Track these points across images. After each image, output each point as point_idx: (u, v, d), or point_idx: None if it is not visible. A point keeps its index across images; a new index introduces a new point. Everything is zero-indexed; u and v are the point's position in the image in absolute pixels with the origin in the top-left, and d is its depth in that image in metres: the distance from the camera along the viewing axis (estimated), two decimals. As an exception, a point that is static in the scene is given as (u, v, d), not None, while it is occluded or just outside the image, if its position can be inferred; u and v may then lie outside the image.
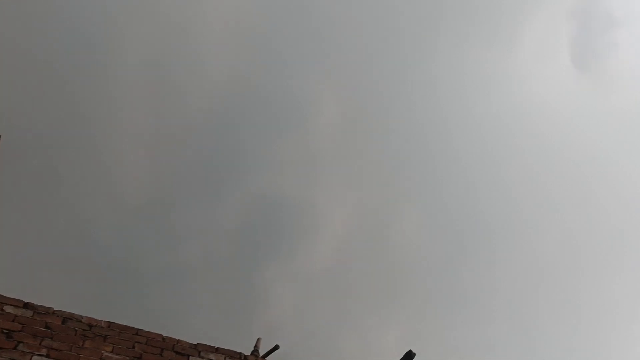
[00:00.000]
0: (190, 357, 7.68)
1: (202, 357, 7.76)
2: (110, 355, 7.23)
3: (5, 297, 7.14)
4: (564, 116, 35.85)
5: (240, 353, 8.15)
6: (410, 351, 8.26)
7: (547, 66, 37.25)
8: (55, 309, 7.32)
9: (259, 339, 8.75)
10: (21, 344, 6.84)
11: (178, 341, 7.76)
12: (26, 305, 7.19)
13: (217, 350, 7.94)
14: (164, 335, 7.74)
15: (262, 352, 8.65)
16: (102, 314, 7.66)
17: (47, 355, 6.91)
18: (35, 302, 7.29)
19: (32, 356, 6.81)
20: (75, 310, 7.47)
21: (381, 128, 36.53)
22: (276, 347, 8.70)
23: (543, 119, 35.90)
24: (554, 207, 35.10)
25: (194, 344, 7.84)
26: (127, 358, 7.30)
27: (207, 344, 7.94)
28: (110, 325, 7.50)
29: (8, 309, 7.05)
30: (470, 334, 31.13)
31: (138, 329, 7.64)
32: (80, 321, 7.38)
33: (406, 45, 35.88)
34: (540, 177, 35.24)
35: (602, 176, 34.84)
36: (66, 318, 7.32)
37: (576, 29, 37.05)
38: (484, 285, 32.63)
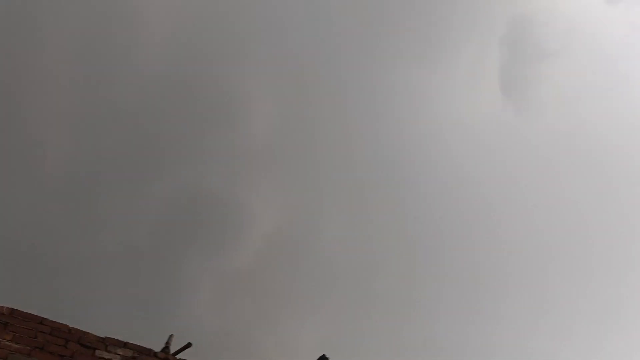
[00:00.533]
0: (97, 351, 7.39)
1: (110, 352, 7.48)
2: (9, 343, 6.85)
3: None
4: (487, 139, 37.55)
5: (150, 349, 7.94)
6: (323, 355, 8.31)
7: (476, 90, 38.84)
8: (-50, 292, 6.89)
9: (171, 336, 8.54)
10: None
11: (85, 333, 7.45)
12: None
13: (125, 345, 7.67)
14: (70, 327, 7.40)
15: (174, 349, 8.46)
16: (4, 299, 7.27)
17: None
18: None
19: None
20: (-25, 295, 7.06)
21: (315, 134, 36.98)
22: (188, 345, 8.51)
23: (467, 140, 37.57)
24: (465, 221, 36.75)
25: (102, 337, 7.55)
26: (28, 348, 6.93)
27: (117, 338, 7.68)
28: (12, 312, 7.09)
29: None
30: (388, 338, 32.07)
31: (43, 318, 7.26)
32: (-21, 306, 6.99)
33: (344, 54, 36.50)
34: (454, 193, 36.94)
35: (513, 200, 37.05)
36: (-38, 302, 6.91)
37: (507, 57, 38.77)
38: (402, 291, 33.63)
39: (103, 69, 32.16)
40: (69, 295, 25.11)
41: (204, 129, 34.24)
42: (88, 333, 7.49)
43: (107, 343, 7.56)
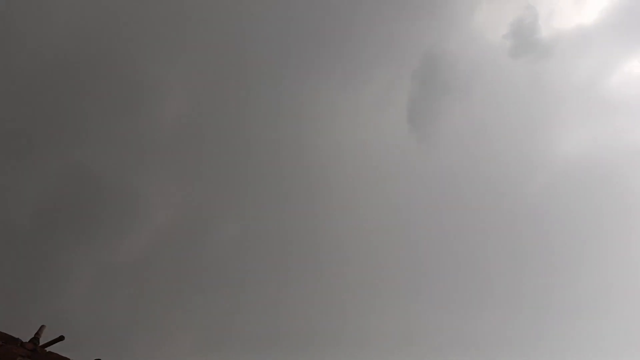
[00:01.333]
0: (-46, 337, 6.59)
1: (-31, 338, 6.71)
2: None
3: None
4: (389, 162, 39.04)
5: (18, 339, 7.22)
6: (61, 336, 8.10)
7: (384, 117, 40.28)
8: None
9: (42, 327, 7.83)
10: None
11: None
12: None
13: (-13, 331, 6.93)
14: None
15: (45, 341, 7.75)
16: None
17: None
18: None
19: None
20: None
21: (222, 134, 36.43)
22: (60, 338, 7.85)
23: (367, 159, 38.95)
24: (346, 237, 37.96)
25: (-39, 322, 6.77)
26: None
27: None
28: None
29: None
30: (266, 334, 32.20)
31: None
32: None
33: (260, 60, 36.53)
34: (355, 206, 38.02)
35: (394, 223, 38.69)
36: None
37: (417, 89, 40.61)
38: (306, 293, 33.94)
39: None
40: None
41: (107, 110, 32.52)
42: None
43: (-34, 328, 6.78)
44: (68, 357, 7.75)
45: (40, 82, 30.70)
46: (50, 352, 7.74)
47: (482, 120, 40.16)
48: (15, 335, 7.27)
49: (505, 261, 37.30)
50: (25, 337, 7.44)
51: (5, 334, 7.10)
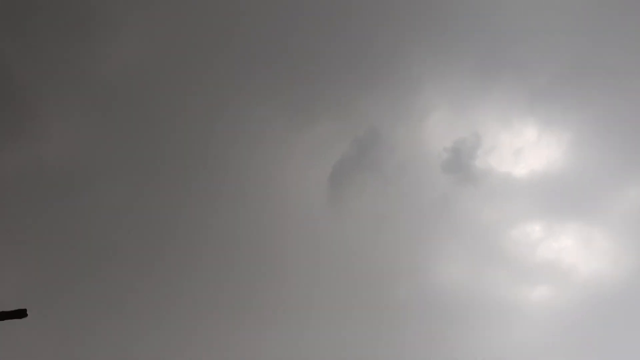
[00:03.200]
0: None
1: None
2: None
3: None
4: (309, 221, 40.26)
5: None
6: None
7: (308, 176, 41.56)
8: None
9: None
10: None
11: None
12: None
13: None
14: None
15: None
16: None
17: None
18: None
19: None
20: None
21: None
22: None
23: (290, 217, 40.39)
24: None
25: None
26: None
27: None
28: None
29: None
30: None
31: None
32: None
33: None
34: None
35: None
36: None
37: (348, 158, 42.12)
38: None
39: None
40: None
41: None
42: None
43: None
44: None
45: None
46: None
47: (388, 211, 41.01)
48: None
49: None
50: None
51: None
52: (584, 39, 38.53)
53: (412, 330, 39.51)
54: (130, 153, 39.85)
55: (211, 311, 40.20)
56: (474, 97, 41.51)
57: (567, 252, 41.08)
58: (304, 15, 40.65)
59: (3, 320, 8.20)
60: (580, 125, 39.85)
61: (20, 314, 7.86)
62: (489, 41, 40.66)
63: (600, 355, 37.59)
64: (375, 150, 40.16)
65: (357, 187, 40.16)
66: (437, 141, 42.45)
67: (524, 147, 41.37)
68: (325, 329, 40.99)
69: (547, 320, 40.07)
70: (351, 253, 41.43)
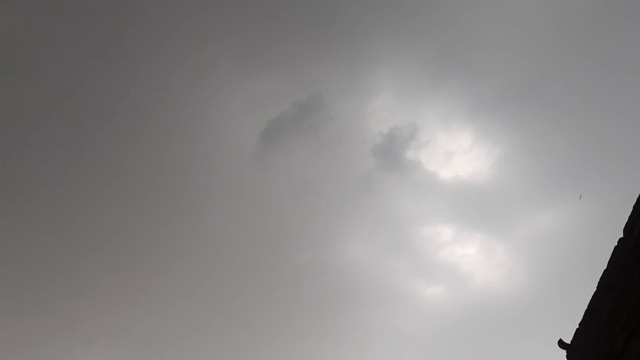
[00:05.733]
0: None
1: None
2: None
3: None
4: (233, 170, 41.01)
5: None
6: None
7: (241, 126, 42.00)
8: None
9: None
10: None
11: None
12: None
13: None
14: None
15: None
16: None
17: None
18: None
19: None
20: None
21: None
22: None
23: (215, 160, 41.14)
24: None
25: None
26: None
27: None
28: None
29: None
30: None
31: None
32: None
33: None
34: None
35: None
36: None
37: (281, 112, 42.38)
38: None
39: None
40: None
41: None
42: None
43: None
44: None
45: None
46: None
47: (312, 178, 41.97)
48: None
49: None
50: None
51: None
52: (536, 64, 39.64)
53: (304, 297, 40.43)
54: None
55: (118, 234, 39.79)
56: (421, 90, 42.05)
57: (468, 259, 42.73)
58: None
59: None
60: (512, 144, 41.21)
61: None
62: (449, 42, 41.24)
63: (474, 357, 39.65)
64: (314, 117, 40.18)
65: (288, 149, 40.20)
66: (375, 123, 42.90)
67: (456, 151, 42.41)
68: (222, 277, 41.35)
69: (434, 316, 41.76)
70: (267, 210, 41.69)
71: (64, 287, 38.55)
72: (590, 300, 8.16)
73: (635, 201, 7.05)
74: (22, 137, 37.15)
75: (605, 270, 7.74)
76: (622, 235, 7.36)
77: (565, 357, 8.83)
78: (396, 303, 41.43)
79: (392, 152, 40.76)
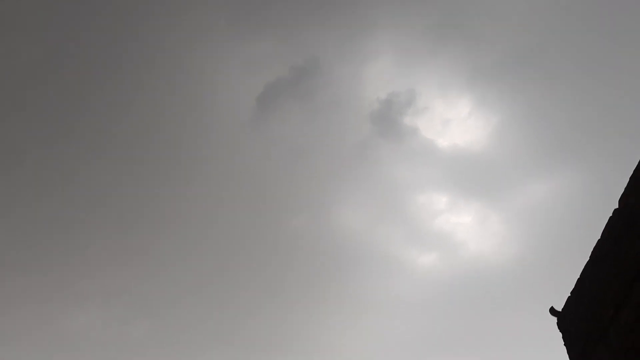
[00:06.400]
0: None
1: None
2: None
3: None
4: (229, 134, 40.57)
5: None
6: None
7: (238, 90, 41.49)
8: None
9: None
10: None
11: None
12: None
13: None
14: None
15: None
16: None
17: None
18: None
19: None
20: None
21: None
22: None
23: (211, 123, 40.07)
24: None
25: None
26: None
27: None
28: None
29: None
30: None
31: None
32: None
33: None
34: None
35: None
36: None
37: (278, 76, 41.78)
38: None
39: None
40: None
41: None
42: None
43: None
44: None
45: None
46: None
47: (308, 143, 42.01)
48: None
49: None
50: None
51: None
52: (535, 33, 39.21)
53: (298, 261, 40.81)
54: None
55: (113, 196, 39.83)
56: (420, 56, 41.61)
57: (462, 227, 43.05)
58: None
59: None
60: (509, 113, 41.06)
61: None
62: (449, 9, 40.58)
63: (466, 324, 40.36)
64: (311, 81, 39.75)
65: (284, 113, 39.91)
66: (373, 89, 42.56)
67: (454, 119, 42.28)
68: (216, 241, 41.60)
69: (428, 283, 42.27)
70: (262, 174, 41.60)
71: (59, 249, 38.82)
72: (583, 270, 8.29)
73: (631, 173, 7.10)
74: (19, 97, 36.80)
75: (598, 240, 7.84)
76: (616, 207, 7.43)
77: (556, 324, 9.02)
78: (390, 270, 41.91)
79: (389, 118, 40.61)
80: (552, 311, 8.73)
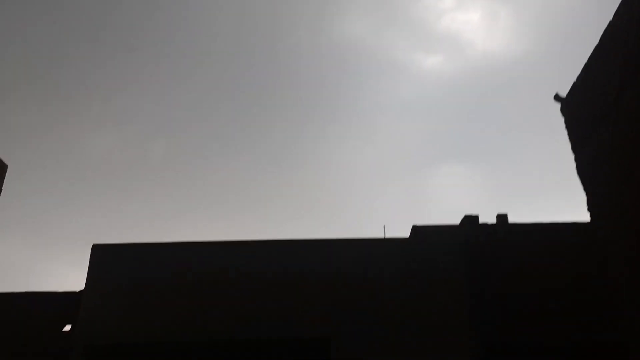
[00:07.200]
0: None
1: None
2: None
3: None
4: None
5: None
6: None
7: None
8: None
9: None
10: None
11: None
12: None
13: None
14: None
15: None
16: None
17: None
18: None
19: None
20: None
21: None
22: None
23: None
24: None
25: None
26: None
27: None
28: None
29: None
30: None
31: None
32: None
33: None
34: None
35: None
36: None
37: None
38: None
39: None
40: None
41: None
42: None
43: None
44: None
45: None
46: None
47: None
48: None
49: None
50: None
51: None
52: None
53: (303, 76, 40.63)
54: None
55: (118, 23, 38.40)
56: None
57: (470, 26, 41.88)
58: None
59: None
60: None
61: None
62: None
63: (474, 124, 41.43)
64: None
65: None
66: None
67: None
68: (216, 66, 40.89)
69: (433, 86, 42.49)
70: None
71: (70, 75, 38.52)
72: (590, 56, 8.35)
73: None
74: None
75: (609, 23, 7.78)
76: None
77: (559, 110, 9.35)
78: (396, 75, 41.80)
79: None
80: (557, 97, 8.99)
